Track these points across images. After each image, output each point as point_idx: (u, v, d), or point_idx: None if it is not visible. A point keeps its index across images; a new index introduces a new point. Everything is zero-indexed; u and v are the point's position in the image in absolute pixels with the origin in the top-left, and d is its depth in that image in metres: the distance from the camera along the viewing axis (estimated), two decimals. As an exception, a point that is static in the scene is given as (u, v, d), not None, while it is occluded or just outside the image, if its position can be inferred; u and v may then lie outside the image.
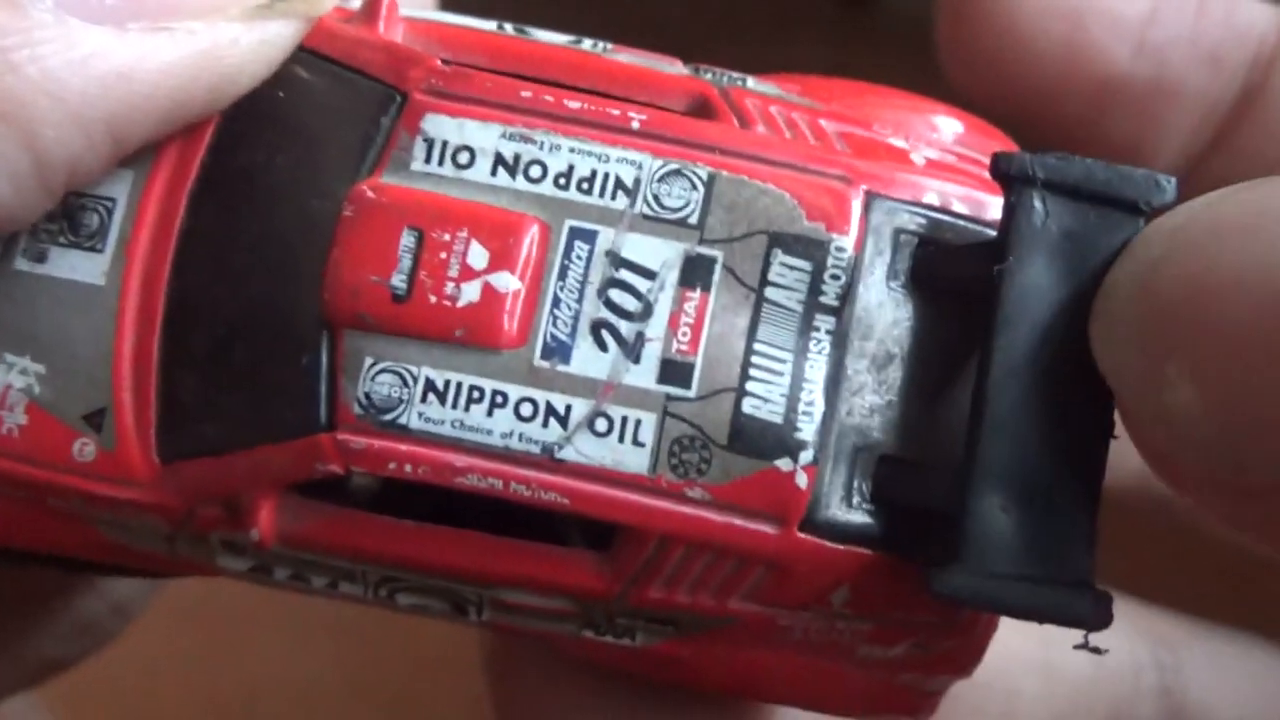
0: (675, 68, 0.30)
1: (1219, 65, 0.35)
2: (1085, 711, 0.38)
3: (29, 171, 0.26)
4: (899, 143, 0.30)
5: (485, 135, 0.28)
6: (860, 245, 0.28)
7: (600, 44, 0.30)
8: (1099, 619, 0.26)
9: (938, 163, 0.29)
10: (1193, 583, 0.43)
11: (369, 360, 0.27)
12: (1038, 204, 0.26)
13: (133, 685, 0.39)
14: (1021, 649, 0.37)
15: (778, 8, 0.64)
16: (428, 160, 0.28)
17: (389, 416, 0.27)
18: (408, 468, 0.27)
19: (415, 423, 0.27)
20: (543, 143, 0.28)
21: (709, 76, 0.30)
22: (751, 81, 0.30)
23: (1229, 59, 0.35)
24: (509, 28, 0.30)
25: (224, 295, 0.28)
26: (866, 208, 0.28)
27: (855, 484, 0.28)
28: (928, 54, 0.34)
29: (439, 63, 0.28)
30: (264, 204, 0.28)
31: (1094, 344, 0.25)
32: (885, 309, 0.28)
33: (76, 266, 0.29)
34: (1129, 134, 0.35)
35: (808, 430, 0.27)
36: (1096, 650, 0.26)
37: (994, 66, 0.35)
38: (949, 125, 0.31)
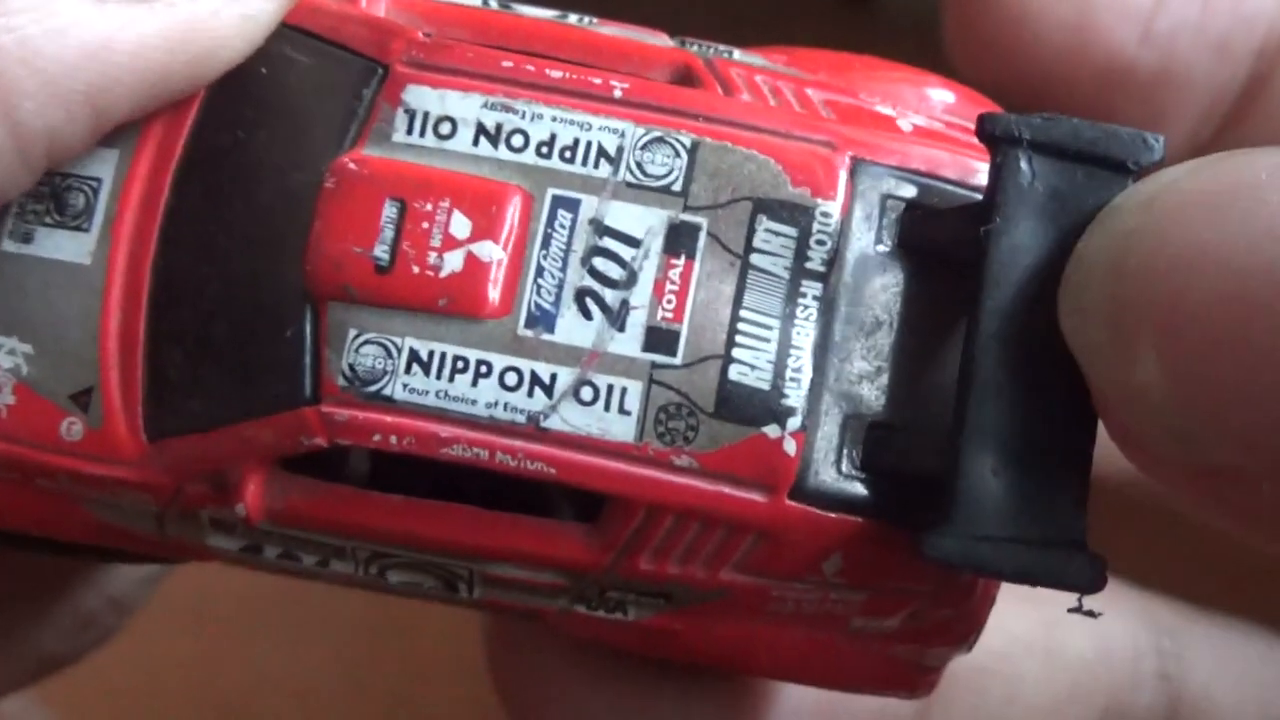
0: (660, 39, 0.30)
1: (1226, 53, 0.35)
2: (1085, 696, 0.38)
3: (7, 144, 0.26)
4: (885, 110, 0.29)
5: (466, 105, 0.28)
6: (847, 211, 0.28)
7: (586, 19, 0.30)
8: (1093, 582, 0.26)
9: (925, 129, 0.29)
10: (1193, 570, 0.42)
11: (353, 332, 0.27)
12: (1024, 164, 0.26)
13: (133, 685, 0.38)
14: (1023, 633, 0.37)
15: (779, 6, 0.64)
16: (409, 131, 0.28)
17: (373, 388, 0.27)
18: (393, 439, 0.27)
19: (400, 394, 0.27)
20: (524, 112, 0.28)
21: (695, 49, 0.30)
22: (738, 53, 0.30)
23: (1236, 47, 0.35)
24: (494, 2, 0.30)
25: (209, 272, 0.28)
26: (853, 173, 0.28)
27: (845, 450, 0.27)
28: (928, 52, 0.34)
29: (420, 35, 0.28)
30: (247, 181, 0.28)
31: (1062, 318, 0.25)
32: (873, 275, 0.28)
33: (62, 246, 0.29)
34: (1136, 121, 0.35)
35: (795, 396, 0.27)
36: (1091, 614, 0.26)
37: (1000, 52, 0.35)
38: (939, 95, 0.31)
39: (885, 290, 0.28)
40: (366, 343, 0.27)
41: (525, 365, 0.27)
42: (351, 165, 0.27)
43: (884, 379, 0.28)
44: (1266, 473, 0.23)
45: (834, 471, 0.27)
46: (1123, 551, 0.28)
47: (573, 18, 0.30)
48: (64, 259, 0.28)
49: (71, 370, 0.28)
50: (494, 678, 0.36)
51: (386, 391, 0.27)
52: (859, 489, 0.27)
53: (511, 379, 0.27)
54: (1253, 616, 0.41)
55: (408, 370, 0.27)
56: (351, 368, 0.27)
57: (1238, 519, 0.24)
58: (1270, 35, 0.35)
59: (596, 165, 0.27)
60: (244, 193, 0.28)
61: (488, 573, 0.29)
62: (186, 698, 0.53)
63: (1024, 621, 0.35)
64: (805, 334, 0.27)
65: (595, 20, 0.30)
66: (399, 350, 0.27)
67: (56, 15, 0.26)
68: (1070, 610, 0.26)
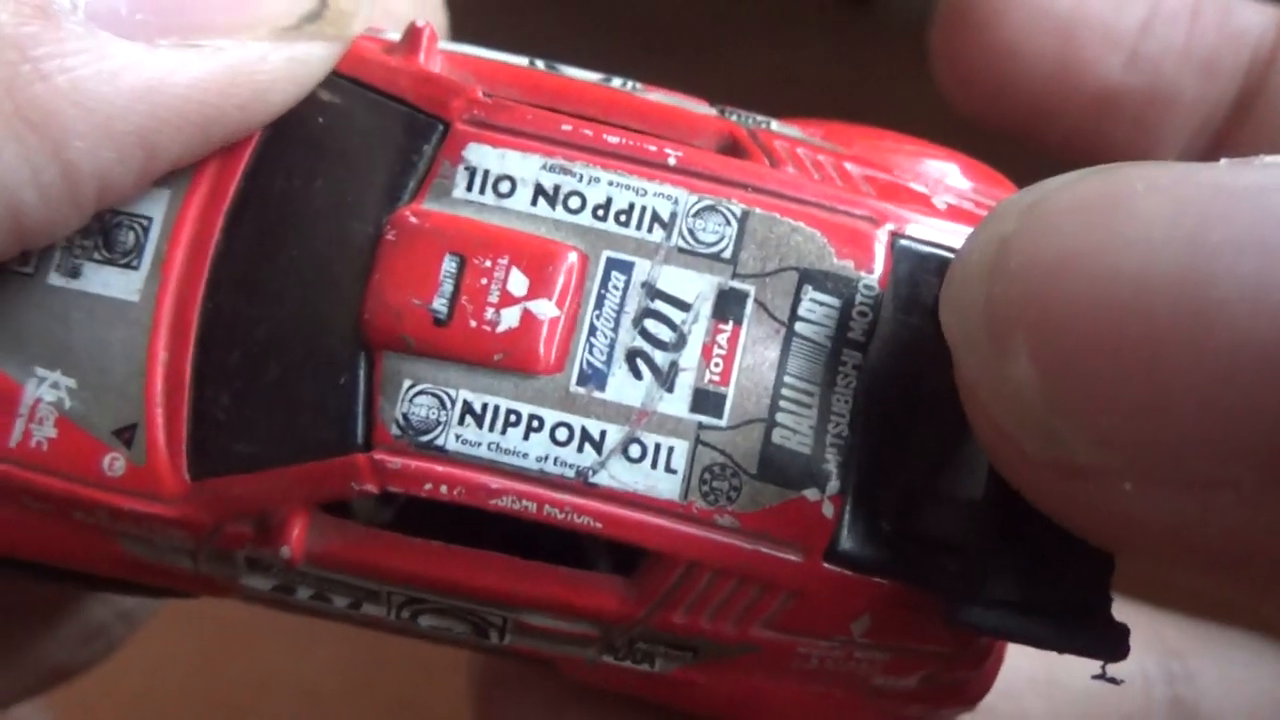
0: (703, 108, 0.31)
1: (1214, 72, 0.35)
2: None
3: (57, 182, 0.26)
4: (920, 188, 0.31)
5: (526, 166, 0.28)
6: (885, 284, 0.29)
7: (630, 83, 0.31)
8: (1115, 651, 0.27)
9: (957, 208, 0.30)
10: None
11: (407, 382, 0.28)
12: None
13: (133, 686, 0.38)
14: (1025, 667, 0.37)
15: (779, 7, 0.65)
16: (469, 188, 0.28)
17: (427, 438, 0.27)
18: (444, 488, 0.27)
19: (452, 444, 0.27)
20: (582, 175, 0.28)
21: (735, 118, 0.31)
22: (775, 124, 0.31)
23: (1224, 65, 0.35)
24: (540, 64, 0.31)
25: (259, 314, 0.29)
26: (891, 248, 0.29)
27: (878, 515, 0.28)
28: (926, 50, 0.34)
29: (480, 94, 0.29)
30: (302, 226, 0.29)
31: (942, 312, 0.26)
32: (907, 346, 0.29)
33: (110, 282, 0.29)
34: (1126, 143, 0.36)
35: (834, 461, 0.28)
36: (1114, 681, 0.27)
37: (989, 85, 0.35)
38: (958, 174, 0.32)
39: (919, 362, 0.29)
40: (421, 393, 0.27)
41: (576, 421, 0.28)
42: (413, 219, 0.28)
43: (918, 448, 0.29)
44: (1126, 471, 0.23)
45: (867, 535, 0.28)
46: (1126, 563, 0.28)
47: (616, 81, 0.31)
48: (112, 295, 0.29)
49: (115, 405, 0.28)
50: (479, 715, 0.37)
51: (439, 441, 0.27)
52: (890, 553, 0.28)
53: (562, 434, 0.27)
54: (1260, 627, 0.41)
55: (461, 421, 0.27)
56: (405, 416, 0.27)
57: (1102, 524, 0.25)
58: (1259, 50, 0.36)
59: (650, 230, 0.28)
60: (298, 238, 0.29)
61: (521, 621, 0.29)
62: (187, 698, 0.52)
63: (1026, 657, 0.36)
64: (845, 401, 0.28)
65: (639, 85, 0.31)
66: (453, 402, 0.27)
67: (109, 58, 0.26)
68: (1094, 677, 0.27)
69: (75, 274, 0.29)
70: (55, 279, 0.29)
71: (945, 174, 0.32)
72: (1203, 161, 0.24)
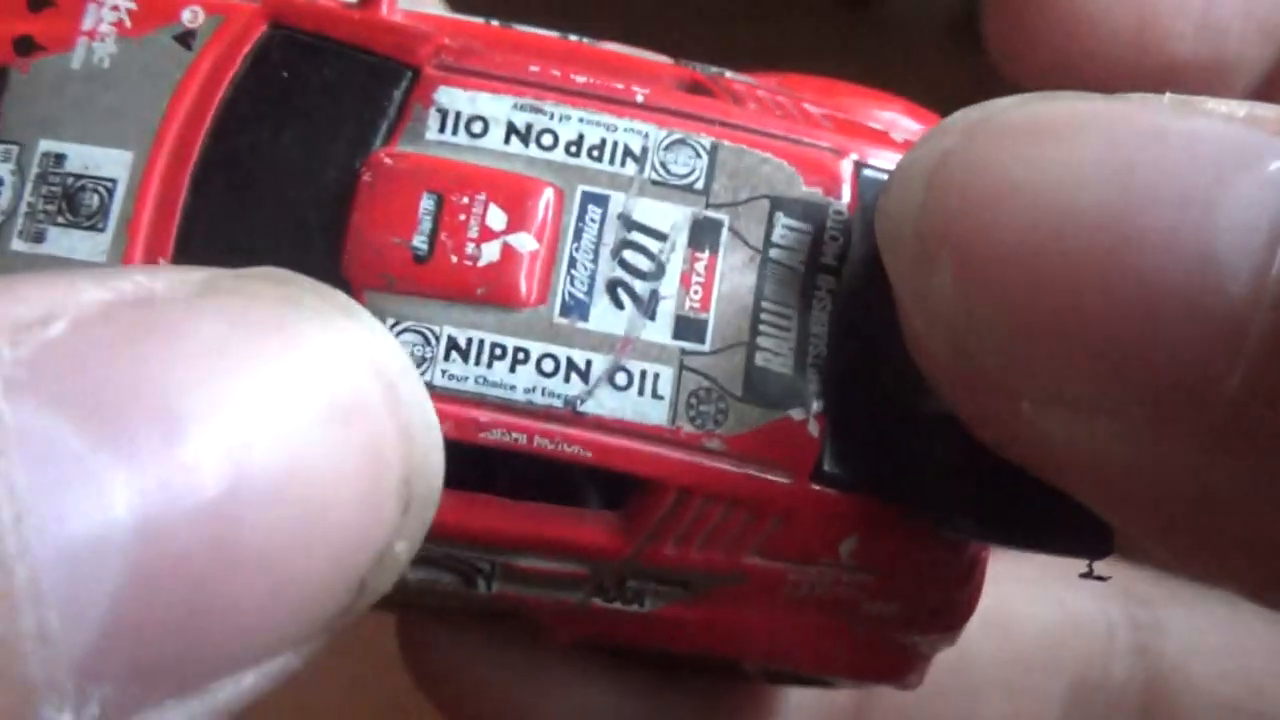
0: (661, 57, 0.32)
1: (1272, 33, 0.35)
2: (1050, 669, 0.38)
3: None
4: (877, 126, 0.31)
5: (497, 106, 0.29)
6: (854, 210, 0.29)
7: (585, 39, 0.32)
8: (1101, 547, 0.28)
9: (912, 142, 0.31)
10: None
11: (391, 320, 0.27)
12: None
13: None
14: (979, 605, 0.37)
15: (777, 5, 0.65)
16: (442, 130, 0.29)
17: None
18: None
19: (439, 380, 0.27)
20: (553, 113, 0.29)
21: (694, 67, 0.31)
22: (729, 74, 0.32)
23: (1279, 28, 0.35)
24: (495, 22, 0.32)
25: (233, 266, 0.28)
26: (856, 176, 0.30)
27: (861, 434, 0.29)
28: (926, 50, 0.35)
29: (447, 41, 0.29)
30: (273, 178, 0.29)
31: (877, 218, 0.27)
32: (878, 271, 0.29)
33: (76, 246, 0.28)
34: None
35: (816, 381, 0.28)
36: (1101, 579, 0.28)
37: (1054, 51, 0.35)
38: (907, 118, 0.33)
39: (889, 283, 0.30)
40: (405, 330, 0.27)
41: (561, 352, 0.28)
42: (388, 161, 0.28)
43: (894, 367, 0.29)
44: (1025, 390, 0.24)
45: (851, 454, 0.29)
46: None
47: (573, 37, 0.32)
48: (78, 258, 0.28)
49: None
50: (413, 669, 0.37)
51: (426, 378, 0.27)
52: (874, 471, 0.29)
53: (549, 365, 0.28)
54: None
55: (446, 357, 0.27)
56: None
57: (1005, 441, 0.26)
58: None
59: (623, 164, 0.29)
60: (269, 190, 0.29)
61: (510, 564, 0.29)
62: None
63: (982, 599, 0.36)
64: (821, 324, 0.29)
65: (594, 41, 0.32)
66: (437, 338, 0.27)
67: None
68: (1082, 575, 0.28)
69: (40, 239, 0.28)
70: (18, 244, 0.28)
71: (896, 117, 0.33)
72: None
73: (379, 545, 0.23)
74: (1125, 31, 0.35)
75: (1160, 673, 0.40)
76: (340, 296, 0.24)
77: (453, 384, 0.27)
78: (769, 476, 0.28)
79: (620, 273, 0.28)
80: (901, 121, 0.33)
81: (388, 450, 0.23)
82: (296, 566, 0.21)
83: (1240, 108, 0.24)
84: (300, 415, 0.22)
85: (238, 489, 0.20)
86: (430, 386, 0.27)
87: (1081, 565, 0.28)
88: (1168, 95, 0.25)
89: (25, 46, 0.29)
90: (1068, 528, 0.28)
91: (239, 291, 0.23)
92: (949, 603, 0.31)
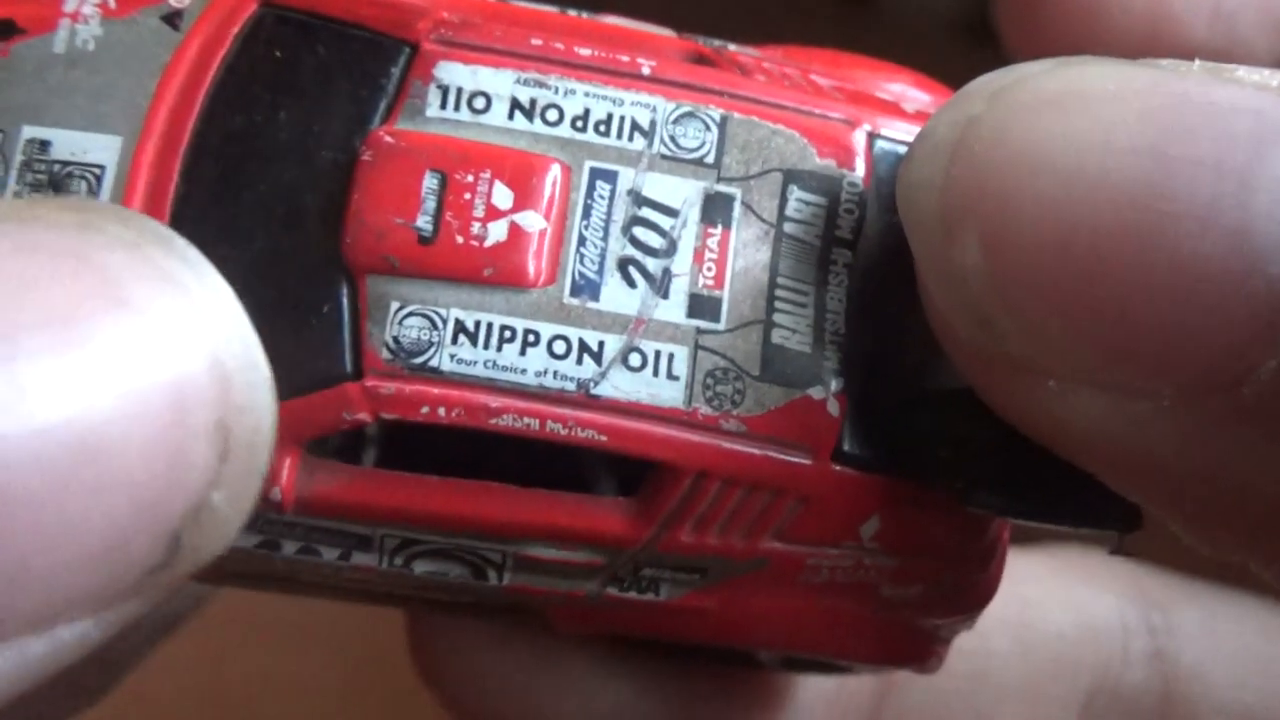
0: (664, 30, 0.31)
1: None
2: (1067, 674, 0.38)
3: None
4: (887, 96, 0.31)
5: (499, 81, 0.28)
6: (869, 182, 0.29)
7: (585, 13, 0.31)
8: (1131, 521, 0.27)
9: (926, 114, 0.30)
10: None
11: (395, 304, 0.27)
12: None
13: (131, 685, 0.36)
14: (995, 608, 0.37)
15: (776, 3, 0.64)
16: (443, 106, 0.28)
17: (419, 360, 0.26)
18: (441, 411, 0.26)
19: (447, 365, 0.26)
20: (557, 88, 0.28)
21: (698, 40, 0.31)
22: (733, 46, 0.31)
23: None
24: None
25: (228, 253, 0.27)
26: (870, 147, 0.29)
27: (880, 412, 0.28)
28: (928, 51, 0.34)
29: (445, 14, 0.28)
30: (268, 160, 0.28)
31: (899, 191, 0.26)
32: (894, 242, 0.29)
33: None
34: None
35: (835, 359, 0.28)
36: (1130, 555, 0.27)
37: (1065, 40, 0.34)
38: (915, 89, 0.32)
39: (906, 258, 0.29)
40: (410, 314, 0.27)
41: (573, 333, 0.27)
42: (388, 139, 0.27)
43: (914, 342, 0.28)
44: (1053, 368, 0.24)
45: (872, 433, 0.28)
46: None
47: (572, 11, 0.31)
48: None
49: None
50: (422, 667, 0.36)
51: (433, 363, 0.26)
52: (895, 450, 0.28)
53: (560, 347, 0.27)
54: (1247, 582, 0.41)
55: (454, 341, 0.26)
56: (396, 340, 0.26)
57: (1029, 420, 0.25)
58: None
59: (631, 138, 0.28)
60: (265, 173, 0.28)
61: (523, 554, 0.28)
62: (186, 698, 0.50)
63: (999, 600, 0.36)
64: (839, 300, 0.28)
65: (595, 15, 0.31)
66: (444, 321, 0.27)
67: None
68: (1111, 552, 0.27)
69: None
70: None
71: (905, 88, 0.32)
72: None
73: (191, 495, 0.21)
74: (1138, 22, 0.34)
75: (1177, 678, 0.39)
76: (150, 222, 0.22)
77: (461, 369, 0.26)
78: (789, 458, 0.27)
79: (631, 250, 0.27)
80: (910, 93, 0.32)
81: (191, 387, 0.21)
82: (79, 512, 0.19)
83: (1273, 77, 0.23)
84: (82, 347, 0.20)
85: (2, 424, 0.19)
86: (438, 372, 0.26)
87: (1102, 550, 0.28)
88: (1197, 62, 0.24)
89: (4, 30, 0.28)
90: (1095, 501, 0.27)
91: (33, 218, 0.21)
92: (970, 584, 0.30)
